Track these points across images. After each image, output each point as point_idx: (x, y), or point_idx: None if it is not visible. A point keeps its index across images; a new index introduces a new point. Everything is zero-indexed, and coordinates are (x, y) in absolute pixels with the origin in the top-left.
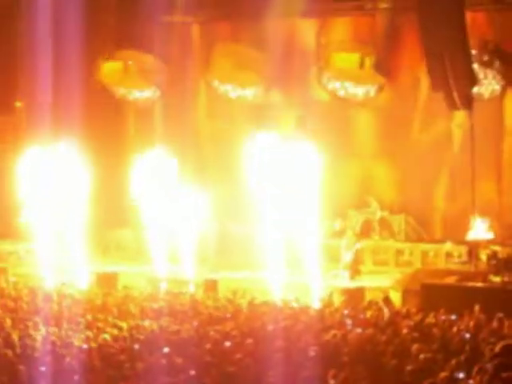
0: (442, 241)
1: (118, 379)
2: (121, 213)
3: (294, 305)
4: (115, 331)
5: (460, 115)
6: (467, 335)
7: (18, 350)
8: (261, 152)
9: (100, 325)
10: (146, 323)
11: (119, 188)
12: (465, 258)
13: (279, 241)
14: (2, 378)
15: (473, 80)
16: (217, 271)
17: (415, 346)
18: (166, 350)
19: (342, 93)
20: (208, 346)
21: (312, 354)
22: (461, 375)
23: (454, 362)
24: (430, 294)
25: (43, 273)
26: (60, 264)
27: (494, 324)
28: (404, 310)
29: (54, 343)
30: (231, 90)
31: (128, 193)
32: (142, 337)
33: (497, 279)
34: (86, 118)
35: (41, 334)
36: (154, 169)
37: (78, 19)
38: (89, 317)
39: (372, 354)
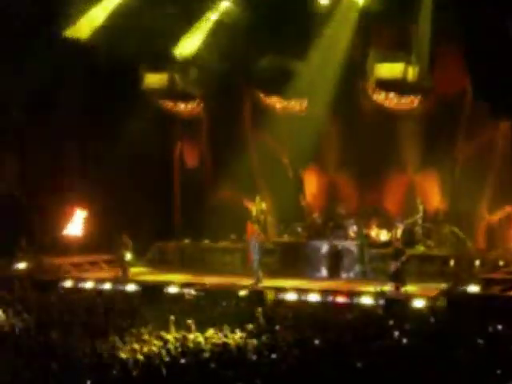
0: (487, 250)
1: None
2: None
3: None
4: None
5: (504, 125)
6: None
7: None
8: None
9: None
10: None
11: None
12: (510, 267)
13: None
14: None
15: None
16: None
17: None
18: None
19: (386, 103)
20: None
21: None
22: None
23: None
24: (475, 303)
25: None
26: None
27: None
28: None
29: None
30: (276, 102)
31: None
32: None
33: None
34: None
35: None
36: None
37: None
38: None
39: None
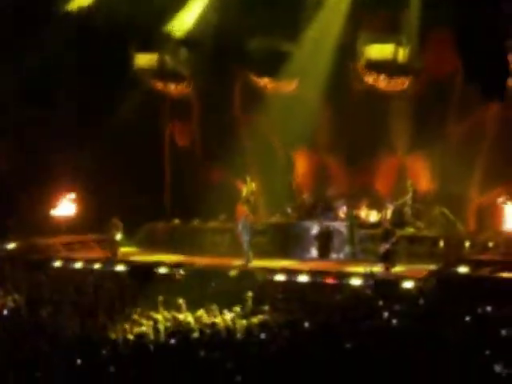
0: (477, 232)
1: None
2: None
3: None
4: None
5: (495, 106)
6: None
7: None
8: None
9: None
10: None
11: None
12: (500, 249)
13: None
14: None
15: (507, 71)
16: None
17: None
18: None
19: (377, 84)
20: None
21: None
22: None
23: None
24: (465, 285)
25: None
26: None
27: None
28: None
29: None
30: (267, 83)
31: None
32: None
33: None
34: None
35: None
36: None
37: None
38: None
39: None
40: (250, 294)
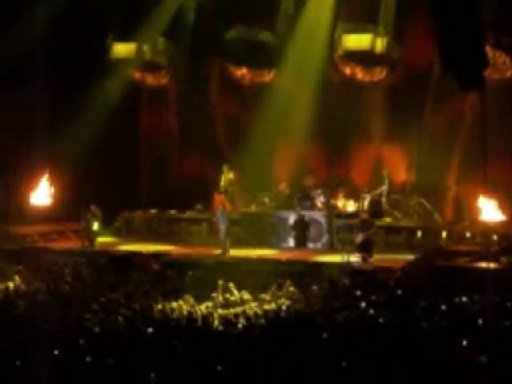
0: (454, 222)
1: None
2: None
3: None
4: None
5: (472, 96)
6: None
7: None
8: None
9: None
10: None
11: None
12: (476, 239)
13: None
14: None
15: (484, 61)
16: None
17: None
18: None
19: (354, 75)
20: None
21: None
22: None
23: None
24: (442, 275)
25: None
26: None
27: None
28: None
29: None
30: (244, 73)
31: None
32: None
33: (508, 260)
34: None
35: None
36: None
37: None
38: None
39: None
40: (227, 283)
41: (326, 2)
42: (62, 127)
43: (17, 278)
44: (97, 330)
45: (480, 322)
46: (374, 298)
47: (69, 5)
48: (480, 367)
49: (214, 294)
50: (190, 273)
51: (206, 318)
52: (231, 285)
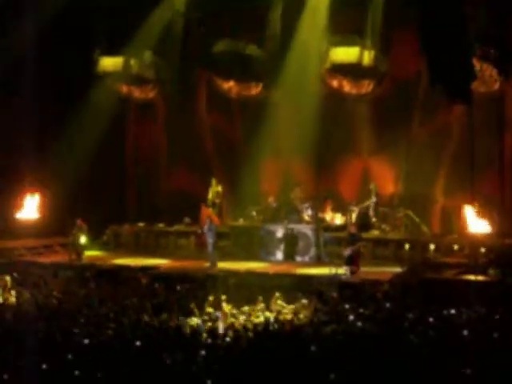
0: (441, 234)
1: None
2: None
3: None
4: None
5: (459, 109)
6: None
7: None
8: None
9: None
10: None
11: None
12: (464, 251)
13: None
14: None
15: (472, 74)
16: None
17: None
18: None
19: (341, 87)
20: None
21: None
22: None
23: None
24: (430, 288)
25: None
26: None
27: None
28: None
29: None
30: (232, 87)
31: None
32: None
33: (495, 273)
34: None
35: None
36: None
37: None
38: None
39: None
40: (216, 297)
41: (314, 15)
42: (50, 142)
43: (4, 291)
44: (85, 343)
45: (467, 334)
46: (361, 310)
47: (56, 18)
48: (466, 379)
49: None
50: (179, 286)
51: (195, 330)
52: (223, 297)
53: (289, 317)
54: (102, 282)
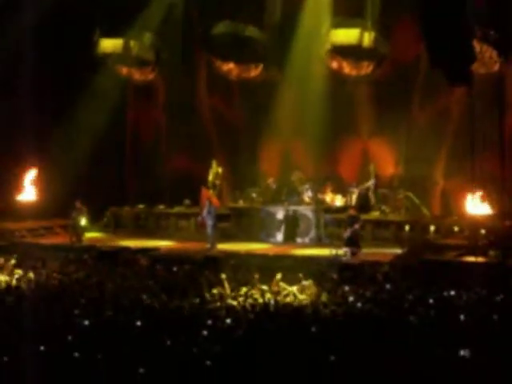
0: (442, 216)
1: None
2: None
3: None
4: None
5: (459, 91)
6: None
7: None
8: None
9: None
10: None
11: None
12: (464, 233)
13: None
14: None
15: (472, 56)
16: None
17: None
18: None
19: (342, 69)
20: None
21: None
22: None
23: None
24: (430, 269)
25: None
26: None
27: None
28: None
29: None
30: (231, 68)
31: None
32: None
33: (496, 255)
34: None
35: None
36: None
37: None
38: None
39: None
40: (216, 277)
41: None
42: (50, 124)
43: (5, 273)
44: (85, 324)
45: (467, 316)
46: (361, 291)
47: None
48: (467, 362)
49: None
50: (179, 268)
51: (196, 312)
52: (223, 276)
53: (289, 299)
54: (102, 263)
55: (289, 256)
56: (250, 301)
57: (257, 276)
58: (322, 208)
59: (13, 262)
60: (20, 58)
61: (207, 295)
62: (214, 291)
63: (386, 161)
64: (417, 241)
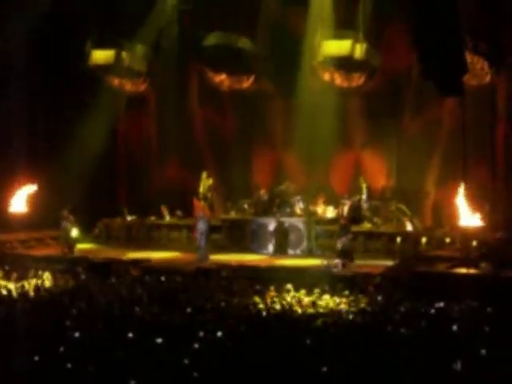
0: (433, 228)
1: None
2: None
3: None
4: None
5: (451, 102)
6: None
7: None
8: None
9: None
10: None
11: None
12: (456, 245)
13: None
14: None
15: (464, 67)
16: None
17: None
18: None
19: (333, 80)
20: None
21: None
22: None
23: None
24: (421, 281)
25: None
26: None
27: None
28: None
29: None
30: (223, 79)
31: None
32: None
33: (487, 266)
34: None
35: None
36: None
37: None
38: None
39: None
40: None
41: (307, 8)
42: (41, 136)
43: None
44: (76, 335)
45: (458, 327)
46: (353, 303)
47: (48, 9)
48: (459, 375)
49: None
50: (170, 279)
51: (187, 323)
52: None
53: (281, 309)
54: (93, 274)
55: (280, 267)
56: (243, 312)
57: (249, 288)
58: (313, 219)
59: (1, 272)
60: (10, 70)
61: (199, 306)
62: (206, 303)
63: (378, 172)
64: (408, 253)
